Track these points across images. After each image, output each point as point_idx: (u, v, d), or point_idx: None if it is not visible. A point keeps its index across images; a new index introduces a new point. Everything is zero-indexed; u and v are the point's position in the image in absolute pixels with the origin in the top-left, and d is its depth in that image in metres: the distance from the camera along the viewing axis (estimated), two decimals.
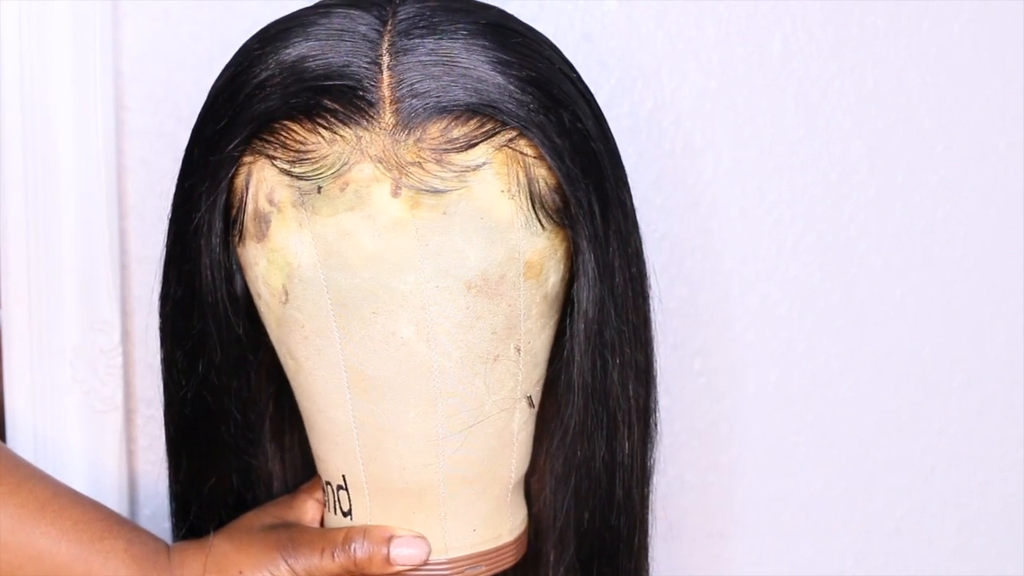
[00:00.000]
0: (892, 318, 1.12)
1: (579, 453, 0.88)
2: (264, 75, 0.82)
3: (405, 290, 0.82)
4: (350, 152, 0.80)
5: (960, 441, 1.14)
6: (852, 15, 1.08)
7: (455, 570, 0.88)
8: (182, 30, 1.02)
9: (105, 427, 1.02)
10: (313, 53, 0.81)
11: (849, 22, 1.08)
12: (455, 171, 0.80)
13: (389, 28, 0.82)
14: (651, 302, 0.89)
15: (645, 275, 0.88)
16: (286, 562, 0.87)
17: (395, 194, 0.80)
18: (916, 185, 1.11)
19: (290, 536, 0.88)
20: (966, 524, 1.15)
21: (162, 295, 0.89)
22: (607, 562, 0.90)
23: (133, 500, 1.05)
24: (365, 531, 0.87)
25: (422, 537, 0.87)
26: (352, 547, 0.86)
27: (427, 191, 0.80)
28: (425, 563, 0.87)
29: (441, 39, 0.81)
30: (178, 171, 0.87)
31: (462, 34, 0.82)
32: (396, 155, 0.80)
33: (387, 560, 0.86)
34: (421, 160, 0.80)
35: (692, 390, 1.06)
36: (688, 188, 1.08)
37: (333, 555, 0.86)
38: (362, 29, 0.82)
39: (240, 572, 0.87)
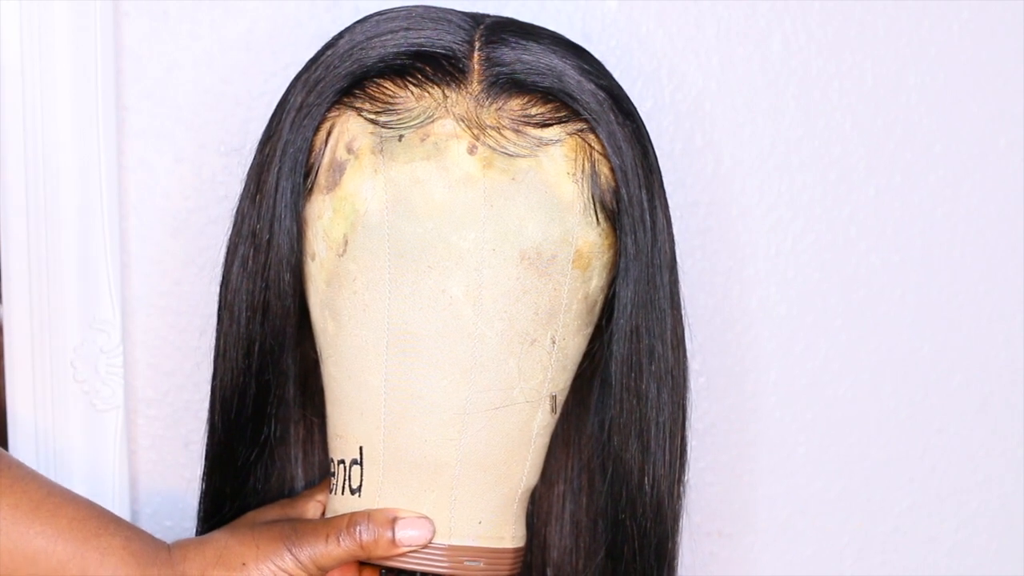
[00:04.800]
0: (892, 318, 1.12)
1: (615, 443, 0.90)
2: (360, 39, 0.88)
3: (463, 247, 0.86)
4: (435, 107, 0.86)
5: (960, 441, 1.14)
6: (852, 15, 1.08)
7: (455, 558, 0.89)
8: (182, 30, 1.02)
9: (105, 426, 1.02)
10: (411, 27, 0.88)
11: (849, 22, 1.08)
12: (529, 142, 0.86)
13: (481, 27, 0.88)
14: (685, 320, 0.92)
15: (680, 295, 0.92)
16: (290, 552, 0.87)
17: (471, 151, 0.86)
18: (916, 185, 1.11)
19: (293, 527, 0.88)
20: (965, 523, 1.15)
21: (227, 257, 0.92)
22: (633, 557, 0.92)
23: (134, 499, 1.05)
24: (369, 515, 0.88)
25: (426, 518, 0.88)
26: (357, 530, 0.87)
27: (501, 153, 0.86)
28: (427, 545, 0.88)
29: (528, 40, 0.88)
30: (260, 137, 0.91)
31: (547, 41, 0.88)
32: (478, 117, 0.86)
33: (392, 542, 0.87)
34: (500, 126, 0.86)
35: (692, 390, 1.06)
36: (687, 188, 1.08)
37: (339, 540, 0.87)
38: (457, 21, 0.88)
39: (244, 564, 0.88)
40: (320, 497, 0.93)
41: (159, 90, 1.02)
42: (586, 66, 0.88)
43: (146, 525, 1.05)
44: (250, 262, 0.90)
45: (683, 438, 0.92)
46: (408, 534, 0.87)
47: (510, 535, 0.91)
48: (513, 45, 0.87)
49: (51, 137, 0.99)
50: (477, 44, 0.87)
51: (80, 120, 0.99)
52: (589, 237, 0.88)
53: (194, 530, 1.00)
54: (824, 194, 1.10)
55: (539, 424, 0.89)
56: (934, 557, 1.15)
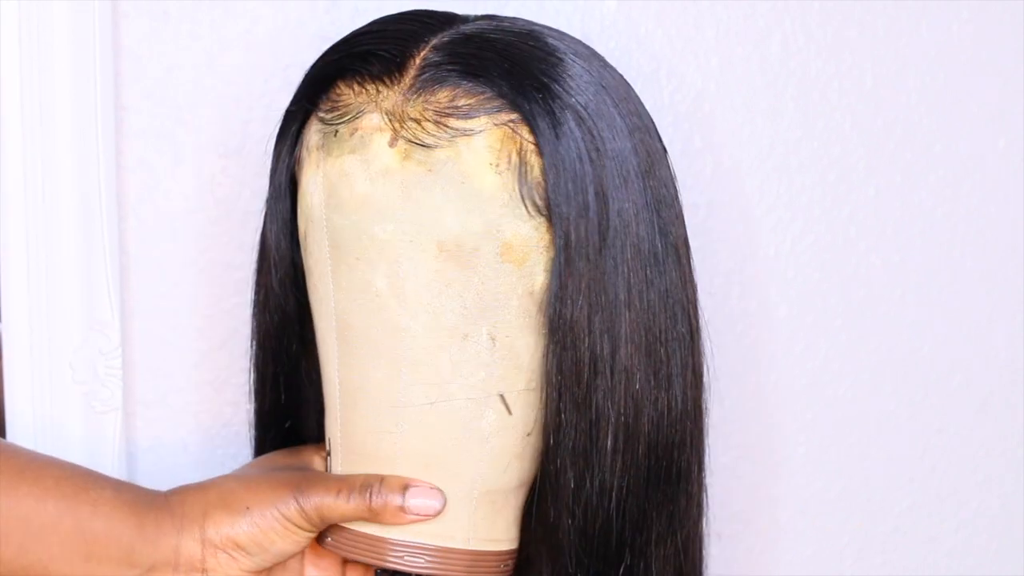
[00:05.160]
0: (892, 318, 1.12)
1: (571, 471, 0.88)
2: (330, 48, 0.90)
3: (384, 238, 0.86)
4: (367, 102, 0.87)
5: (960, 441, 1.14)
6: (852, 15, 1.08)
7: (394, 552, 0.88)
8: (182, 30, 1.01)
9: (104, 428, 1.02)
10: (375, 29, 0.89)
11: (848, 22, 1.08)
12: (449, 133, 0.85)
13: (454, 27, 0.88)
14: (675, 334, 0.89)
15: (660, 298, 0.88)
16: (296, 500, 0.87)
17: (392, 144, 0.86)
18: (916, 185, 1.11)
19: (304, 476, 0.89)
20: (965, 523, 1.15)
21: (262, 238, 0.95)
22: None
23: None
24: (382, 478, 0.88)
25: (438, 489, 0.88)
26: (368, 491, 0.87)
27: (418, 145, 0.85)
28: (367, 534, 0.88)
29: (489, 34, 0.87)
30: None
31: (511, 37, 0.87)
32: (403, 111, 0.86)
33: (401, 508, 0.87)
34: (422, 118, 0.85)
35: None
36: (687, 189, 1.08)
37: (349, 496, 0.87)
38: (433, 25, 0.88)
39: (247, 508, 0.87)
40: (323, 455, 0.94)
41: (159, 90, 1.02)
42: (540, 54, 0.87)
43: None
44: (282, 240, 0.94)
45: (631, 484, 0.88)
46: (419, 502, 0.87)
47: (463, 536, 0.89)
48: (464, 39, 0.87)
49: (51, 137, 0.99)
50: (433, 41, 0.87)
51: (80, 120, 0.99)
52: (520, 230, 0.86)
53: None
54: (824, 195, 1.10)
55: (491, 424, 0.88)
56: (934, 557, 1.15)
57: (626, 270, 0.86)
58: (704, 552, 0.94)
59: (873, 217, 1.10)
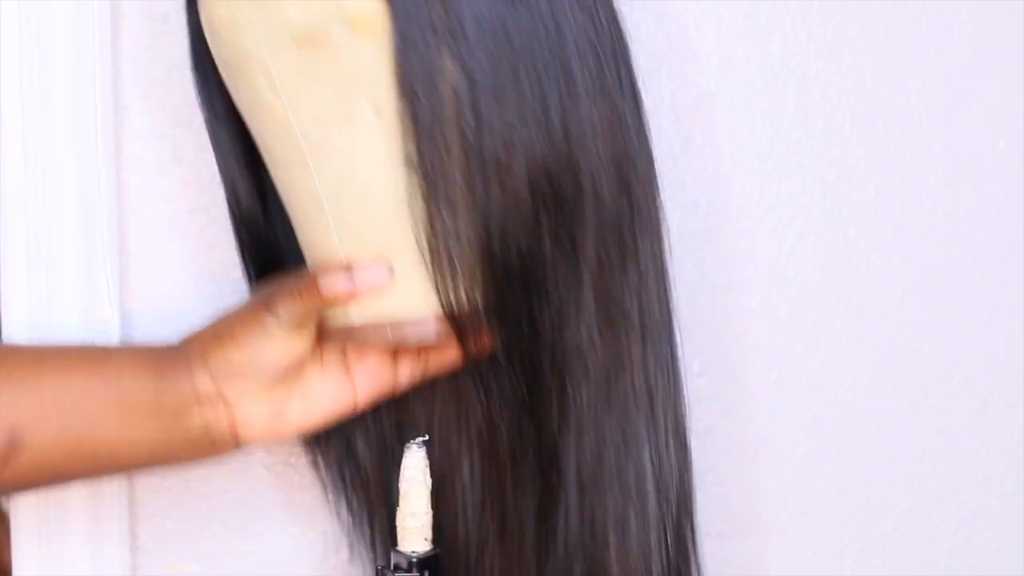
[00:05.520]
0: (892, 318, 1.12)
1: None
2: None
3: (252, 50, 0.88)
4: None
5: (960, 441, 1.14)
6: (852, 15, 1.08)
7: (360, 332, 0.90)
8: (182, 30, 1.01)
9: None
10: None
11: (848, 22, 1.08)
12: None
13: None
14: (548, 66, 0.87)
15: (540, 42, 0.87)
16: (270, 314, 0.91)
17: None
18: (915, 185, 1.11)
19: (269, 292, 0.92)
20: (965, 523, 1.15)
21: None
22: None
23: (132, 500, 1.05)
24: (326, 270, 0.90)
25: (382, 260, 0.89)
26: (315, 285, 0.90)
27: None
28: (338, 327, 0.91)
29: None
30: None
31: None
32: None
33: (352, 288, 0.89)
34: None
35: (692, 390, 1.06)
36: (687, 189, 1.08)
37: (303, 295, 0.90)
38: None
39: (233, 336, 0.92)
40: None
41: (159, 91, 1.02)
42: None
43: (145, 526, 1.05)
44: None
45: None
46: (365, 276, 0.89)
47: (425, 302, 0.89)
48: None
49: (51, 137, 0.99)
50: None
51: (80, 120, 0.99)
52: (359, 1, 0.86)
53: (193, 531, 1.00)
54: (824, 194, 1.10)
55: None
56: (934, 557, 1.15)
57: (479, 7, 0.85)
58: (671, 295, 0.93)
59: (873, 217, 1.10)
